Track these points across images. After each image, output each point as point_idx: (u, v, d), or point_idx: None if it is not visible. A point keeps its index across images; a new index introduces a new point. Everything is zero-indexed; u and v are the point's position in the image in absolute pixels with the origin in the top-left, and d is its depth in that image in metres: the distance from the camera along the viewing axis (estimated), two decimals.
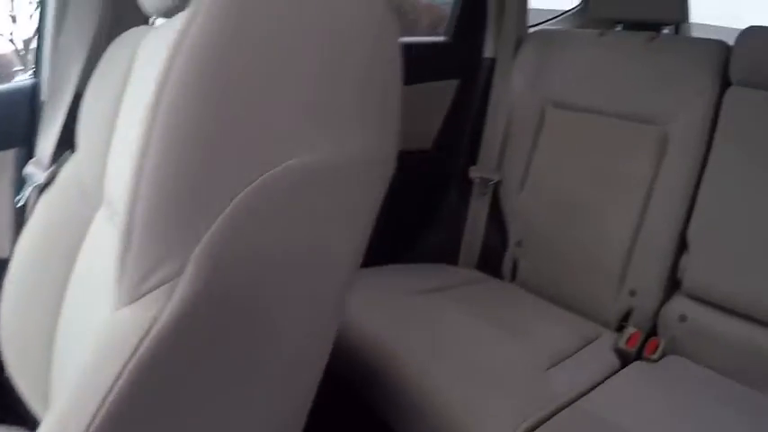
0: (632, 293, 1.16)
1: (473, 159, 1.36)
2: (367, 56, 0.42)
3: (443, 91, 1.40)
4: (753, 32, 1.15)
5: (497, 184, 1.34)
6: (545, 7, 1.75)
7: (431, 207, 1.40)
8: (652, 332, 1.16)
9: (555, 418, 0.90)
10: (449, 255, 1.37)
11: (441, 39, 1.45)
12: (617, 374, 1.04)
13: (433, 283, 1.22)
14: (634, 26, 1.31)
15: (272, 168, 0.38)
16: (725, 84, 1.16)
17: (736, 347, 1.07)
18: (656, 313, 1.15)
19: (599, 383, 1.00)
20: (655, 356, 1.10)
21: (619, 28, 1.36)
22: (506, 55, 1.37)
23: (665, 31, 1.39)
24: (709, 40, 1.23)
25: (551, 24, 1.64)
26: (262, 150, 0.38)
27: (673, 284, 1.17)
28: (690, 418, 0.94)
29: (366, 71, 0.42)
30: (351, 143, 0.42)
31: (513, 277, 1.33)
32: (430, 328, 1.06)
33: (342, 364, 0.82)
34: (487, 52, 1.41)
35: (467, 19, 1.42)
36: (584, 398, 0.96)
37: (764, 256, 1.05)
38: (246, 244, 0.38)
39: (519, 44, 1.37)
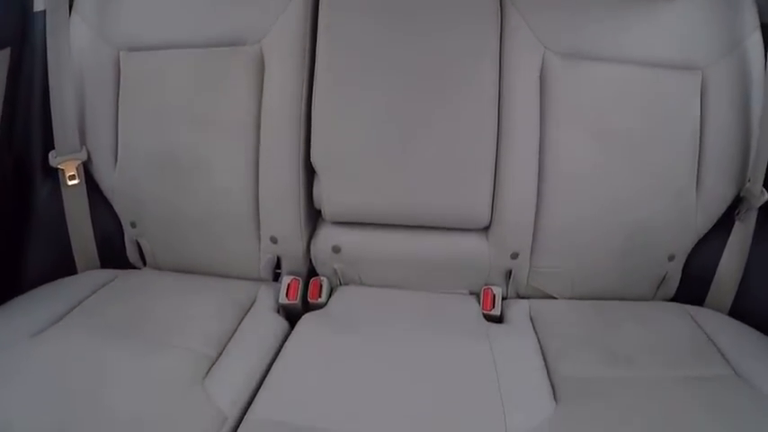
0: (273, 240, 1.10)
1: (52, 142, 1.10)
2: None
3: None
4: None
5: (87, 164, 1.12)
6: None
7: (21, 215, 1.12)
8: (313, 272, 1.13)
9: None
10: (64, 264, 1.14)
11: None
12: (289, 339, 0.96)
13: (54, 310, 0.96)
14: None
15: None
16: None
17: (394, 259, 1.10)
18: (308, 252, 1.11)
19: (276, 356, 0.92)
20: (322, 299, 1.07)
21: None
22: (59, 2, 1.08)
23: None
24: None
25: None
26: None
27: (314, 218, 1.12)
28: (390, 343, 0.94)
29: None
30: None
31: (144, 261, 1.18)
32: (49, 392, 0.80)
33: None
34: (39, 4, 1.11)
35: None
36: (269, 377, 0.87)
37: (387, 162, 1.05)
38: None
39: None
